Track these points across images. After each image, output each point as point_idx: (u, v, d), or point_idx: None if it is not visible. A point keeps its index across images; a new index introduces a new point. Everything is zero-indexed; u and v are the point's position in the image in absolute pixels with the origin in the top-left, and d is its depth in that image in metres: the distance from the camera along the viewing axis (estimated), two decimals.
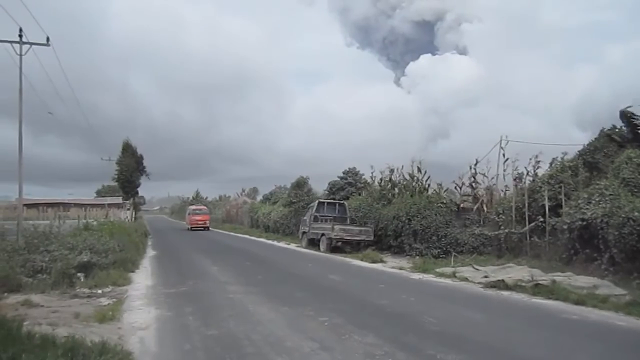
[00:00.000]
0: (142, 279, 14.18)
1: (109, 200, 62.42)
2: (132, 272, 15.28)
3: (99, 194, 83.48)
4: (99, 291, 11.50)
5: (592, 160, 18.50)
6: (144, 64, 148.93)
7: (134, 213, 49.92)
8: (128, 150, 44.24)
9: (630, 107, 18.60)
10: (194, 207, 54.59)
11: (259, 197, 61.76)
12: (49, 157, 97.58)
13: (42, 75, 23.48)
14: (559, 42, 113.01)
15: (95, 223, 24.44)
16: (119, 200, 58.42)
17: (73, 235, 17.36)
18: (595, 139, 19.68)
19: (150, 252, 22.88)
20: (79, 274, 12.61)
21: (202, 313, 9.21)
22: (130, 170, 43.68)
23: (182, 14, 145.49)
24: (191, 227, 47.13)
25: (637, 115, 18.33)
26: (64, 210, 48.99)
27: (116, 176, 44.67)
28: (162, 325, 8.36)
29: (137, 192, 48.88)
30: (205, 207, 54.62)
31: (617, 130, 19.23)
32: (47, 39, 19.02)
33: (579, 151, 19.47)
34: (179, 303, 10.26)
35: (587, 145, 19.51)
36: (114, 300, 10.54)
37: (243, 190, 74.49)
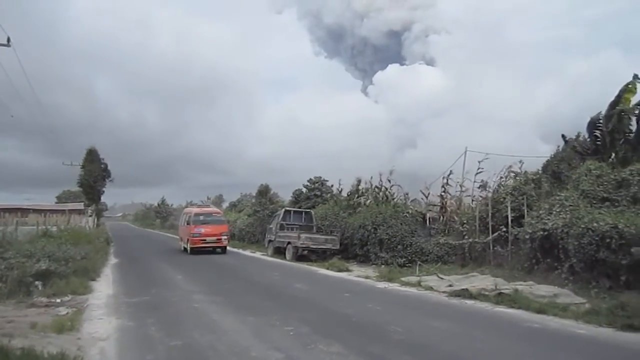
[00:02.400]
0: (104, 287, 13.84)
1: (70, 206, 60.72)
2: (93, 280, 14.89)
3: (60, 199, 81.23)
4: (58, 300, 11.14)
5: (557, 170, 19.00)
6: (110, 66, 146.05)
7: (96, 220, 48.74)
8: (93, 156, 43.34)
9: (594, 119, 19.16)
10: (196, 209, 31.11)
11: (225, 205, 61.18)
12: (7, 160, 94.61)
13: (2, 76, 22.75)
14: (524, 56, 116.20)
15: (55, 230, 23.74)
16: (81, 206, 56.95)
17: (31, 242, 16.82)
18: (562, 149, 20.26)
19: (113, 260, 22.36)
20: (36, 283, 12.19)
21: (166, 323, 9.02)
22: (94, 176, 42.77)
23: (150, 17, 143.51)
24: (193, 248, 26.87)
25: (598, 128, 18.89)
26: (22, 216, 47.42)
27: (79, 182, 43.69)
28: (124, 335, 8.15)
29: (100, 199, 47.82)
30: (219, 212, 31.77)
31: (580, 140, 19.81)
32: (8, 39, 18.47)
33: (545, 162, 20.01)
34: (142, 313, 10.03)
35: (553, 156, 20.08)
36: (74, 309, 10.23)
37: (208, 198, 73.67)
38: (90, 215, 49.40)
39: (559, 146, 20.75)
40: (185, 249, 28.20)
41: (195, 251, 26.40)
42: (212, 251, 27.17)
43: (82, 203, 53.62)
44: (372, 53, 79.47)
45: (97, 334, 8.13)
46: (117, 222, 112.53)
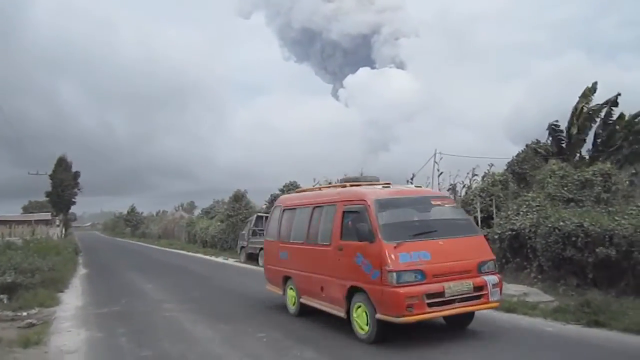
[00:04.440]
0: (72, 299, 13.56)
1: (36, 216, 59.29)
2: (62, 292, 14.57)
3: (26, 210, 79.25)
4: (24, 313, 10.86)
5: (520, 171, 19.43)
6: (75, 71, 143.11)
7: (64, 230, 47.70)
8: (63, 164, 42.44)
9: (556, 121, 19.71)
10: (383, 190, 8.73)
11: (197, 212, 60.61)
12: None
13: None
14: (492, 59, 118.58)
15: (20, 241, 23.15)
16: (48, 216, 55.66)
17: None
18: (523, 151, 20.76)
19: (82, 271, 21.91)
20: (1, 296, 11.89)
21: (136, 333, 8.89)
22: (63, 185, 41.88)
23: (117, 20, 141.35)
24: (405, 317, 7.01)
25: (561, 130, 19.44)
26: None
27: (47, 192, 42.76)
28: (93, 347, 8.00)
29: (69, 208, 46.87)
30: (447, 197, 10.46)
31: (542, 144, 20.35)
32: None
33: (507, 163, 20.46)
34: (111, 323, 9.85)
35: (515, 157, 20.57)
36: (41, 322, 9.99)
37: (180, 205, 72.95)
38: (58, 226, 48.35)
39: (524, 149, 21.32)
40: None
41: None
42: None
43: (50, 213, 52.44)
44: (342, 56, 79.80)
45: (66, 347, 7.96)
46: (86, 232, 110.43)
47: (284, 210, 10.78)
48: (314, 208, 9.40)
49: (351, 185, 9.45)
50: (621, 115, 21.29)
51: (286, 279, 10.32)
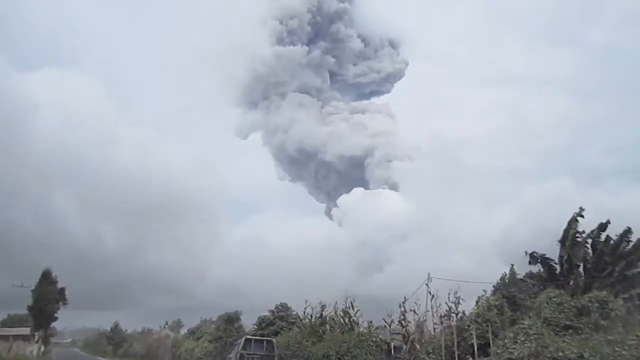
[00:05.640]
0: None
1: (15, 331, 56.82)
2: None
3: (4, 324, 76.23)
4: None
5: (507, 295, 19.35)
6: (70, 182, 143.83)
7: (42, 347, 45.48)
8: (47, 278, 41.59)
9: (534, 252, 20.10)
10: None
11: (184, 331, 58.43)
12: None
13: None
14: (481, 182, 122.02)
15: None
16: (27, 331, 53.31)
17: None
18: (510, 274, 20.90)
19: None
20: None
21: None
22: (45, 299, 40.71)
23: (115, 135, 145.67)
24: None
25: (551, 259, 19.58)
26: None
27: (29, 305, 41.47)
28: None
29: (50, 323, 45.14)
30: None
31: (534, 273, 20.48)
32: None
33: (494, 286, 20.46)
34: None
35: (500, 279, 20.71)
36: None
37: (166, 323, 70.34)
38: (37, 342, 46.17)
39: (509, 271, 21.53)
40: None
41: None
42: None
43: (29, 328, 50.32)
44: (336, 177, 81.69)
45: None
46: (66, 349, 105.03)
47: None
48: None
49: None
50: (607, 239, 21.50)
51: None
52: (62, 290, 42.45)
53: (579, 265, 21.57)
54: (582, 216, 20.34)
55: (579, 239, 20.72)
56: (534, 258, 20.34)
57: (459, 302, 20.50)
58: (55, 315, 42.90)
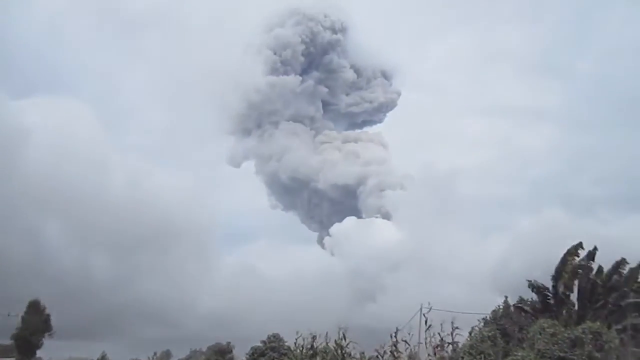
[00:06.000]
0: None
1: None
2: None
3: None
4: None
5: (499, 327, 19.23)
6: (60, 210, 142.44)
7: None
8: (35, 308, 40.85)
9: (535, 280, 19.99)
10: None
11: None
12: None
13: None
14: (474, 212, 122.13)
15: None
16: None
17: None
18: (504, 306, 20.78)
19: None
20: None
21: None
22: (31, 329, 39.90)
23: (107, 163, 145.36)
24: None
25: (546, 287, 19.49)
26: None
27: (13, 335, 40.55)
28: None
29: (35, 354, 44.09)
30: None
31: (527, 301, 20.36)
32: None
33: (484, 318, 20.36)
34: None
35: (493, 311, 20.58)
36: None
37: (155, 354, 68.86)
38: None
39: (503, 303, 21.42)
40: None
41: None
42: None
43: (13, 359, 49.13)
44: (328, 206, 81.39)
45: None
46: None
47: None
48: None
49: None
50: (600, 269, 21.48)
51: None
52: (48, 317, 41.62)
53: (569, 295, 21.57)
54: (579, 248, 20.44)
55: (572, 271, 20.75)
56: (532, 287, 20.25)
57: (454, 333, 20.23)
58: (42, 343, 41.92)
